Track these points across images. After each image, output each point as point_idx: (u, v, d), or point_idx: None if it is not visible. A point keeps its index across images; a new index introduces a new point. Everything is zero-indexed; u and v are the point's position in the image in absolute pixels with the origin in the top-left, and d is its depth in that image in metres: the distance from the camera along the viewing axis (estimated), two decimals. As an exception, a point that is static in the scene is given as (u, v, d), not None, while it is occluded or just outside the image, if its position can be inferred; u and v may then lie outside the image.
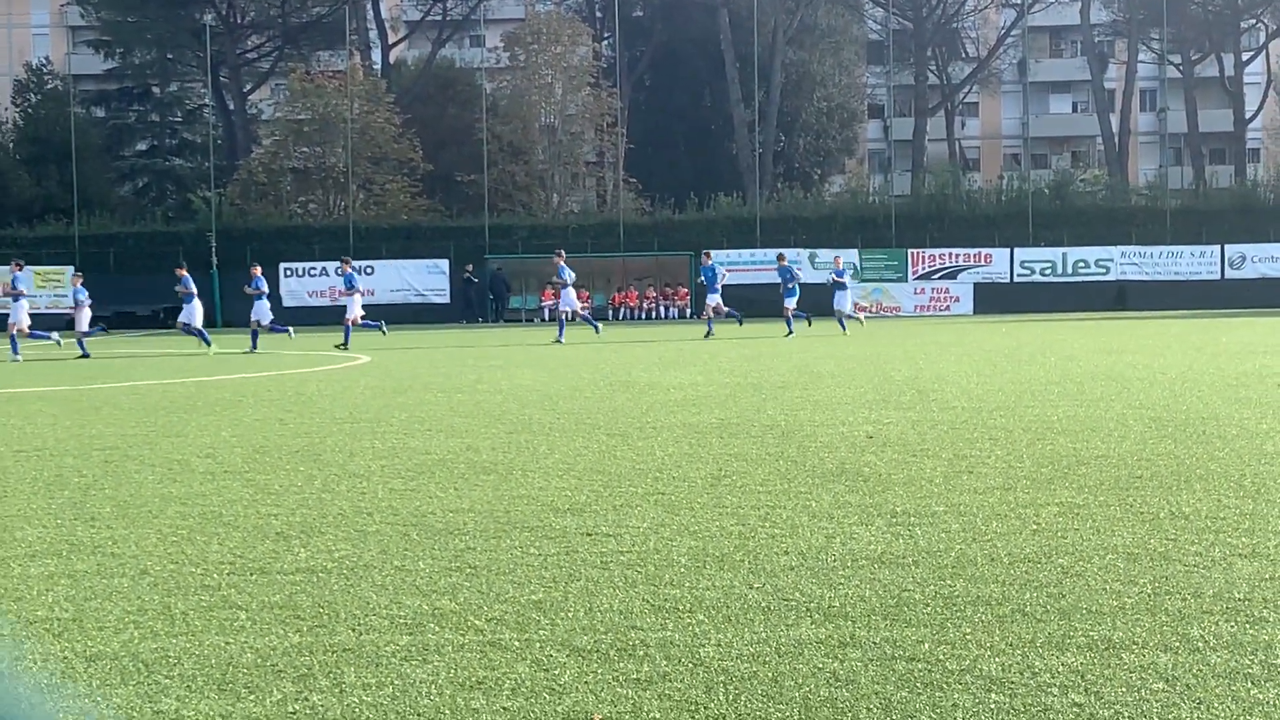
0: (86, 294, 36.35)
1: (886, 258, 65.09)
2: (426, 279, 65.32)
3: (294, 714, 5.01)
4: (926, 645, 5.72)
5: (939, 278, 64.90)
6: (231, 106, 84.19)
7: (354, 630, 6.13)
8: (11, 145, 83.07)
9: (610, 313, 66.81)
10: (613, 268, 67.46)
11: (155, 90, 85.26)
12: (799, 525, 8.44)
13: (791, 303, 40.81)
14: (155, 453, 12.68)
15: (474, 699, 5.14)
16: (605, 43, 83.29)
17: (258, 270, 38.47)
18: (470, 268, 64.19)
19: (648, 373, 23.46)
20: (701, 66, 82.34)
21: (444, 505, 9.41)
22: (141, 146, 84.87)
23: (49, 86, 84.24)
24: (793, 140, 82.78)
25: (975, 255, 65.04)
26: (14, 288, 34.57)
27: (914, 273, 64.88)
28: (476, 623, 6.21)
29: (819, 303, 45.72)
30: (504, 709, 5.02)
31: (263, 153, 76.95)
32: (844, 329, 40.99)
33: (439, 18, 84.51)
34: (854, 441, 12.55)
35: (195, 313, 36.29)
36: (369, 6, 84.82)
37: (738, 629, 6.03)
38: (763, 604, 6.47)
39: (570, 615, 6.32)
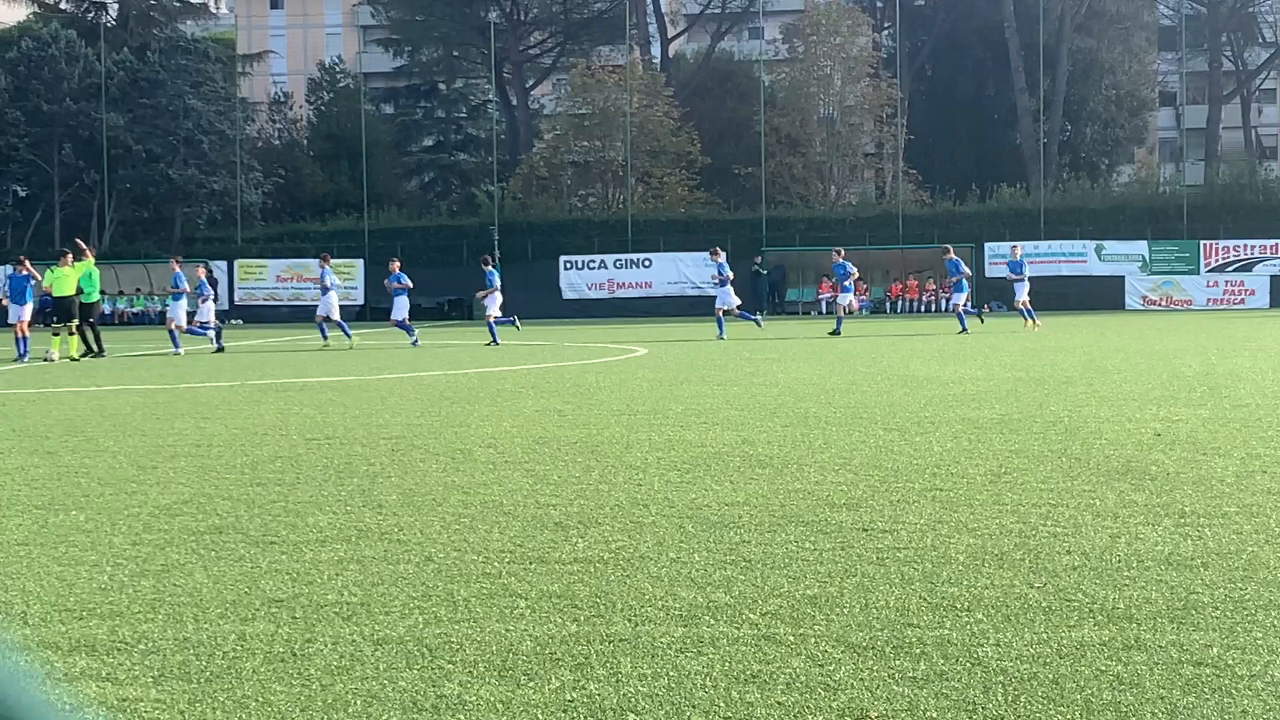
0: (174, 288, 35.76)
1: (1178, 249, 63.26)
2: (703, 272, 65.54)
3: (571, 702, 5.08)
4: (1215, 649, 5.53)
5: (1233, 270, 62.80)
6: (514, 102, 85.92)
7: (630, 621, 6.18)
8: (306, 142, 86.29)
9: (888, 305, 66.33)
10: (891, 260, 66.84)
11: (441, 87, 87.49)
12: (1082, 524, 8.24)
13: (960, 299, 39.87)
14: (439, 442, 12.99)
15: (749, 692, 5.14)
16: (885, 32, 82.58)
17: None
18: (759, 260, 64.21)
19: (926, 366, 23.19)
20: (985, 55, 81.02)
21: (719, 498, 9.43)
22: (428, 142, 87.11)
23: (341, 85, 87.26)
24: (1079, 129, 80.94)
25: (1272, 247, 62.75)
26: (176, 285, 35.39)
27: (1206, 265, 62.91)
28: (751, 616, 6.22)
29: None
30: (778, 703, 5.01)
31: (544, 147, 78.39)
32: (1031, 320, 39.30)
33: (718, 10, 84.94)
34: (1141, 439, 12.20)
35: (330, 305, 36.99)
36: (649, 1, 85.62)
37: (1017, 629, 5.92)
38: (1043, 604, 6.33)
39: (846, 611, 6.27)
